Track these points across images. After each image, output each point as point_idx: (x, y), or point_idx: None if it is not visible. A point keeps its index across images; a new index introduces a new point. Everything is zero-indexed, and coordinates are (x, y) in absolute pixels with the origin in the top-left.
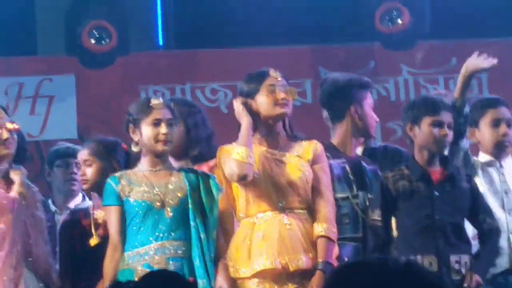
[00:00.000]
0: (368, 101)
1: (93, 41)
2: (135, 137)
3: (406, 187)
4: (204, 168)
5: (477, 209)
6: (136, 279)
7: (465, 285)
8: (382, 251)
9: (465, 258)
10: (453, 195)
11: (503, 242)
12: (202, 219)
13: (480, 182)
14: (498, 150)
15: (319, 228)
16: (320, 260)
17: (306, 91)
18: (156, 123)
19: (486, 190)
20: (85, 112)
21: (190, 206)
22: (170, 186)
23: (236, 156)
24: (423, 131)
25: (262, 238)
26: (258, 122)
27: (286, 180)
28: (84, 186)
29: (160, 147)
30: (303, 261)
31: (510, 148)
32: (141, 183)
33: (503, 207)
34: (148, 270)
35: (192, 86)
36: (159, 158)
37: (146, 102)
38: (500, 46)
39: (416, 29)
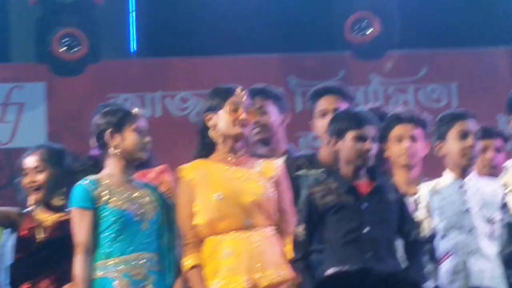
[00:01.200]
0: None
1: (63, 49)
2: (114, 142)
3: (333, 201)
4: (152, 174)
5: (404, 220)
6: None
7: None
8: (304, 263)
9: None
10: (381, 207)
11: (459, 264)
12: (169, 236)
13: (434, 204)
14: (465, 163)
15: None
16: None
17: None
18: (139, 132)
19: (445, 211)
20: (55, 120)
21: (162, 221)
22: (147, 198)
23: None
24: (347, 145)
25: (231, 255)
26: (220, 138)
27: (250, 199)
28: (37, 194)
29: (143, 154)
30: (274, 277)
31: (475, 161)
32: (121, 191)
33: (462, 227)
34: (128, 280)
35: (163, 95)
36: (132, 167)
37: (126, 110)
38: (469, 56)
39: (386, 39)
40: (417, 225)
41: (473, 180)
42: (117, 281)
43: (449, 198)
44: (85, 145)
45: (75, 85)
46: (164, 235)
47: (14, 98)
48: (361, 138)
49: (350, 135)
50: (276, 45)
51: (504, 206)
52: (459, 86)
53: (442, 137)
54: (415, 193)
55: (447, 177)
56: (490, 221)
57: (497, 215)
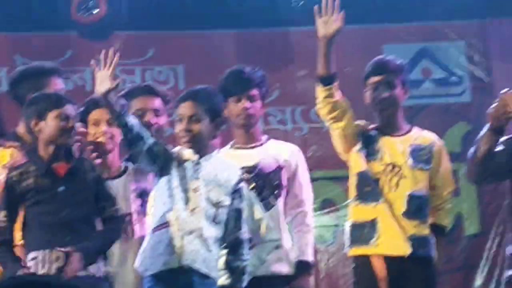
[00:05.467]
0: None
1: None
2: None
3: (30, 185)
4: None
5: (100, 197)
6: None
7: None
8: (5, 249)
9: None
10: (78, 187)
11: (173, 240)
12: None
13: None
14: None
15: None
16: None
17: (2, 79)
18: None
19: (176, 185)
20: None
21: None
22: None
23: None
24: (49, 125)
25: None
26: None
27: None
28: None
29: None
30: None
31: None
32: None
33: (187, 204)
34: None
35: None
36: None
37: None
38: (196, 38)
39: (113, 19)
40: (113, 201)
41: (212, 159)
42: None
43: (182, 173)
44: None
45: None
46: None
47: None
48: (63, 117)
49: (52, 115)
50: (2, 24)
51: (236, 191)
52: (186, 68)
53: None
54: None
55: (188, 151)
56: (216, 204)
57: (226, 200)
